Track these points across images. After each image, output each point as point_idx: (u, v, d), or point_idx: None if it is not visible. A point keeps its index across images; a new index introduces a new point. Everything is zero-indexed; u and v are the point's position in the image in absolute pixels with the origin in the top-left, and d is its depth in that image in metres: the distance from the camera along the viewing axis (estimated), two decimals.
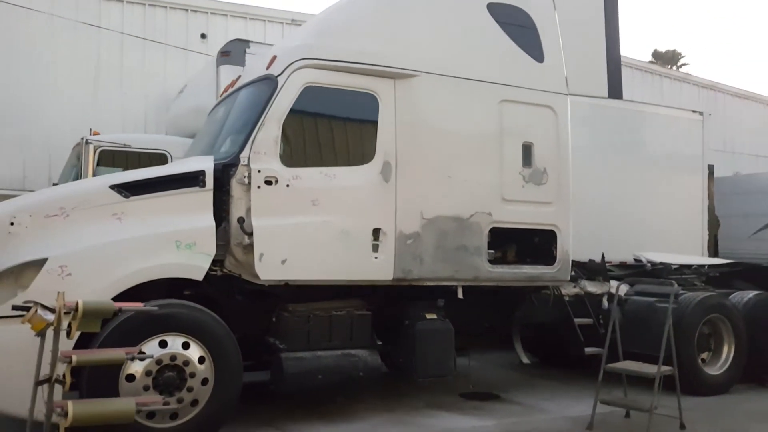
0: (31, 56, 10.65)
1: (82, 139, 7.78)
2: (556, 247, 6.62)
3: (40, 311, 3.42)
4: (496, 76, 6.37)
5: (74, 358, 3.55)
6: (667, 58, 39.00)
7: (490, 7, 6.49)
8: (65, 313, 3.47)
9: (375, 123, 5.85)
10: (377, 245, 5.75)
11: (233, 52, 8.42)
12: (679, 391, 5.84)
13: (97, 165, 7.93)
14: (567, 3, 6.95)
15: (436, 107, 6.08)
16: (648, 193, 9.72)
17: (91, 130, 8.39)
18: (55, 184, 8.60)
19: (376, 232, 5.74)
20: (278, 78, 5.57)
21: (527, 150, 6.47)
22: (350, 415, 6.05)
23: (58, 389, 3.59)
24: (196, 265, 5.06)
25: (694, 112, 11.13)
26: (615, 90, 7.09)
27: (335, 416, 5.98)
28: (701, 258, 9.70)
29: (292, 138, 5.57)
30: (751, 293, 8.24)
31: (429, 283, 6.05)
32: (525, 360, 7.25)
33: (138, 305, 3.97)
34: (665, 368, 5.72)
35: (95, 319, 3.61)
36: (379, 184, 5.79)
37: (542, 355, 8.63)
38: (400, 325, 6.10)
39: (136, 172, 5.50)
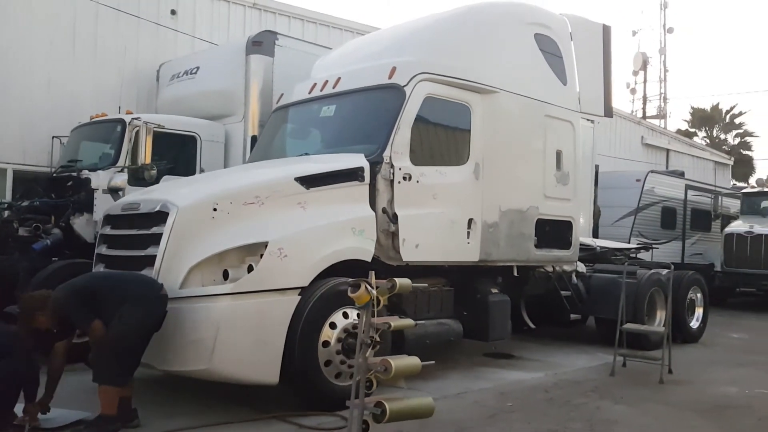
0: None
1: (138, 118, 7.80)
2: (571, 235, 8.29)
3: (367, 287, 4.19)
4: (541, 94, 7.82)
5: (392, 324, 4.37)
6: None
7: (536, 37, 7.90)
8: (384, 288, 4.29)
9: (469, 130, 7.02)
10: (469, 232, 6.96)
11: (265, 43, 8.89)
12: (670, 345, 7.80)
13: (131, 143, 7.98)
14: (576, 37, 8.56)
15: (507, 119, 7.37)
16: None
17: (120, 107, 8.39)
18: (78, 161, 8.45)
19: (470, 222, 6.94)
20: (405, 88, 6.50)
21: (558, 156, 8.03)
22: (433, 374, 7.17)
23: None
24: (366, 248, 5.92)
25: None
26: (608, 110, 8.89)
27: (423, 375, 7.06)
28: (621, 243, 12.04)
29: (416, 140, 6.54)
30: (665, 270, 10.66)
31: (500, 264, 7.39)
32: (531, 325, 8.84)
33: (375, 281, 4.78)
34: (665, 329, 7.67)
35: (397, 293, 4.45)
36: (472, 181, 6.98)
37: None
38: (472, 298, 7.34)
39: (308, 166, 6.11)
